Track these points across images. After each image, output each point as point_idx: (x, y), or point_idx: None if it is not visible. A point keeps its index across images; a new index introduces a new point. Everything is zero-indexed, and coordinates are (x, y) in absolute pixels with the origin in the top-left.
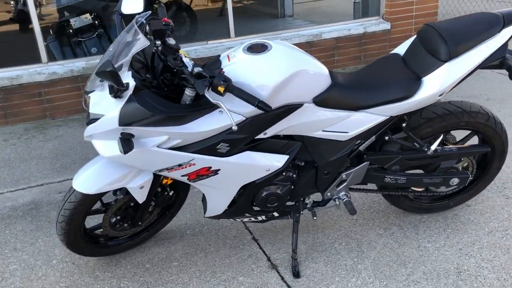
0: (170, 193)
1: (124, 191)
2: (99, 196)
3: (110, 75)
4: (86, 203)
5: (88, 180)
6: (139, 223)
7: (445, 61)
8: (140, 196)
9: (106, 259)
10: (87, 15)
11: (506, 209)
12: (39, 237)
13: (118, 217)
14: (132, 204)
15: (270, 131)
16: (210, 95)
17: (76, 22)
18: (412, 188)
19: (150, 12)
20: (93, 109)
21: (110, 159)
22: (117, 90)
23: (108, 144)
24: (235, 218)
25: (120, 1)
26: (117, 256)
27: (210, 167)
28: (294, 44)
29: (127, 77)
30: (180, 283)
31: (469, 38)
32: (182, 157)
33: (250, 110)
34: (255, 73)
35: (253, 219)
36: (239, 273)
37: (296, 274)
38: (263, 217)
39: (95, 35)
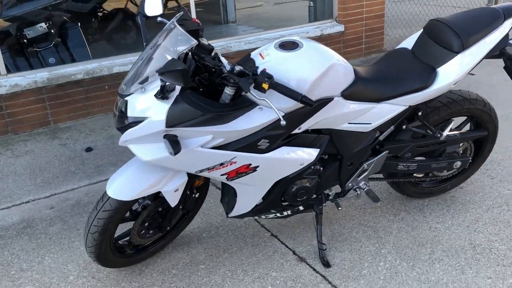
0: (196, 195)
1: (151, 196)
2: (133, 203)
3: (181, 73)
4: (121, 211)
5: (123, 187)
6: (167, 227)
7: (458, 52)
8: (174, 199)
9: (128, 270)
10: (42, 24)
11: (495, 188)
12: (44, 254)
13: (146, 224)
14: (160, 209)
15: (304, 126)
16: (254, 93)
17: (30, 31)
18: (414, 174)
19: (182, 13)
20: (133, 113)
21: (150, 163)
22: (165, 91)
23: (148, 147)
24: (260, 215)
25: (142, 3)
26: (138, 265)
27: (250, 164)
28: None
29: None
30: (214, 285)
31: (478, 31)
32: (225, 156)
33: (288, 105)
34: (293, 70)
35: (278, 214)
36: (270, 269)
37: (327, 264)
38: (289, 211)
39: (51, 45)
